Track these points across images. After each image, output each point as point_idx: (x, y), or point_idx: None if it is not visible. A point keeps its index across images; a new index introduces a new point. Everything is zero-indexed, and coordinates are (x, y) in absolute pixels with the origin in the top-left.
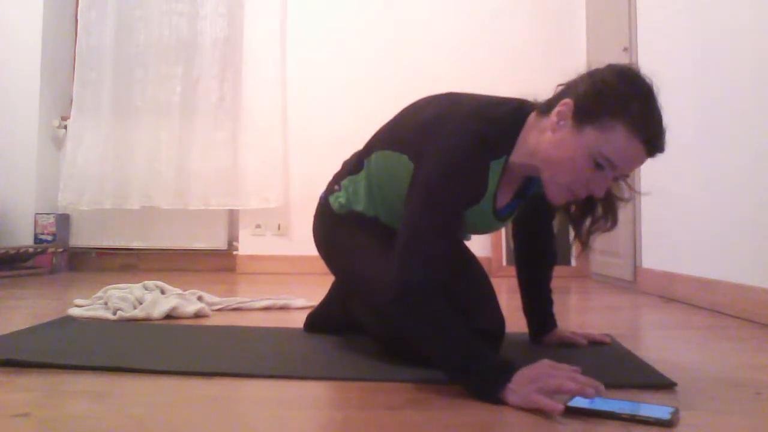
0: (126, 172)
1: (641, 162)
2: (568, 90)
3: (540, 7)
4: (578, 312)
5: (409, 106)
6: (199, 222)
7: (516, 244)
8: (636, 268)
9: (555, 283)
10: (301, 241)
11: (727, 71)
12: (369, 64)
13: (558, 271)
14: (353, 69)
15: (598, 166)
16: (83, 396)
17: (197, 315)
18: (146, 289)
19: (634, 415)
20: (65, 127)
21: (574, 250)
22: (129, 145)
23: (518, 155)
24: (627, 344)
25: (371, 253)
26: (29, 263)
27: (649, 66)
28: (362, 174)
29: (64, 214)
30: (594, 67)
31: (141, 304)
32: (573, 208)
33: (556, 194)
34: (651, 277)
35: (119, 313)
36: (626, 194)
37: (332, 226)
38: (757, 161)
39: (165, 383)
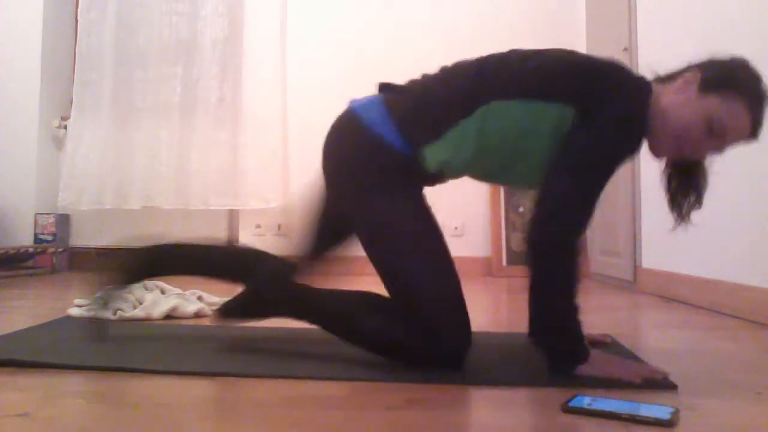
0: (126, 172)
1: (743, 139)
2: (692, 66)
3: (540, 7)
4: None
5: (515, 53)
6: (199, 222)
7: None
8: (636, 268)
9: None
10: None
11: None
12: (369, 63)
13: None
14: (353, 69)
15: (711, 130)
16: (83, 396)
17: (197, 315)
18: (146, 289)
19: (634, 415)
20: (65, 127)
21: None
22: (129, 145)
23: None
24: (627, 344)
25: (425, 247)
26: (29, 263)
27: (649, 66)
28: (474, 122)
29: (64, 214)
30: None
31: (141, 304)
32: (673, 185)
33: (662, 146)
34: (651, 277)
35: (119, 313)
36: (708, 180)
37: (386, 183)
38: (756, 161)
39: (165, 383)
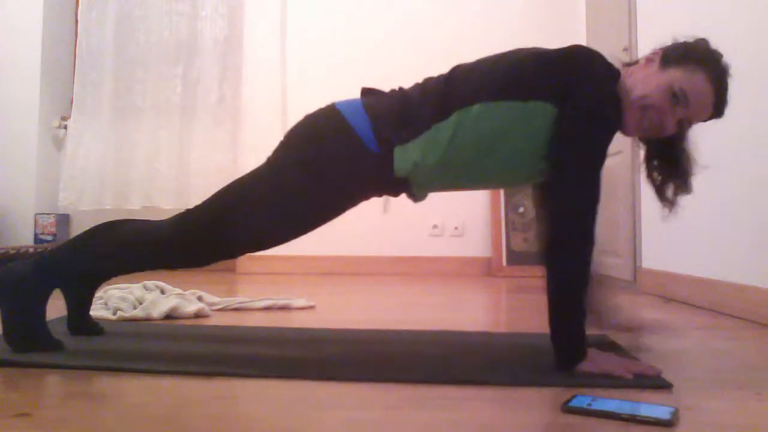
0: (126, 172)
1: (707, 111)
2: (654, 49)
3: (540, 7)
4: None
5: (484, 60)
6: None
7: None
8: (636, 268)
9: None
10: (300, 241)
11: None
12: (369, 63)
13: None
14: (353, 69)
15: (675, 98)
16: (83, 396)
17: (197, 315)
18: (146, 289)
19: (634, 415)
20: (65, 127)
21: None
22: (129, 145)
23: None
24: (626, 344)
25: (289, 211)
26: None
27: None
28: (449, 124)
29: (64, 214)
30: None
31: (141, 304)
32: (655, 176)
33: (630, 123)
34: (651, 277)
35: (119, 313)
36: (694, 167)
37: (334, 156)
38: (756, 161)
39: (165, 383)
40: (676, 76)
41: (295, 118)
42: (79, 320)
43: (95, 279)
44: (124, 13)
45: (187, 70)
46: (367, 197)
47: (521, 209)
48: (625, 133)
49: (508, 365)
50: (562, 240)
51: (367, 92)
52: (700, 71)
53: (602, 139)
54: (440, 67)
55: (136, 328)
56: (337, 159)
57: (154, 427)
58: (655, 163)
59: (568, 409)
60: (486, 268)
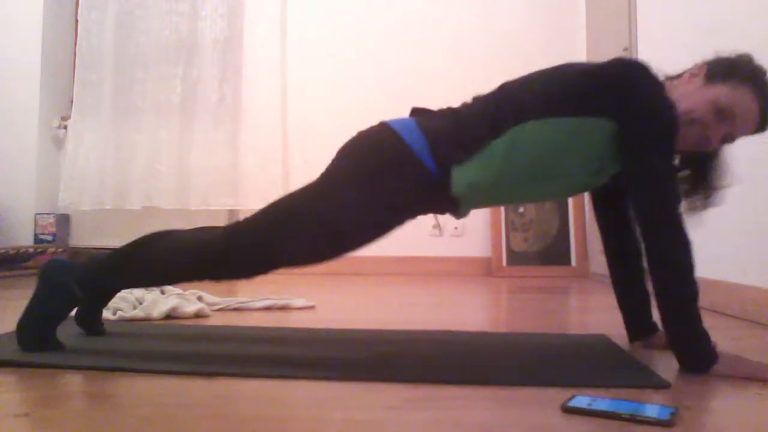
0: (126, 172)
1: (752, 127)
2: (698, 63)
3: (540, 7)
4: (578, 312)
5: (532, 77)
6: (199, 222)
7: (603, 235)
8: None
9: (555, 283)
10: None
11: None
12: (369, 63)
13: (558, 271)
14: (354, 68)
15: (720, 114)
16: (83, 396)
17: (197, 315)
18: (146, 289)
19: (634, 415)
20: (65, 127)
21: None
22: (129, 145)
23: None
24: (627, 344)
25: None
26: (29, 263)
27: (656, 66)
28: (502, 143)
29: (64, 214)
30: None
31: (141, 304)
32: (683, 187)
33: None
34: None
35: (119, 313)
36: (724, 181)
37: (393, 173)
38: (756, 161)
39: (165, 383)
40: (721, 91)
41: (295, 118)
42: (90, 317)
43: (130, 287)
44: (124, 13)
45: (187, 70)
46: (414, 216)
47: (521, 209)
48: None
49: (508, 365)
50: (661, 237)
51: (417, 111)
52: (745, 87)
53: (669, 135)
54: (440, 66)
55: (136, 328)
56: (395, 176)
57: (154, 427)
58: (686, 174)
59: (568, 409)
60: (486, 268)
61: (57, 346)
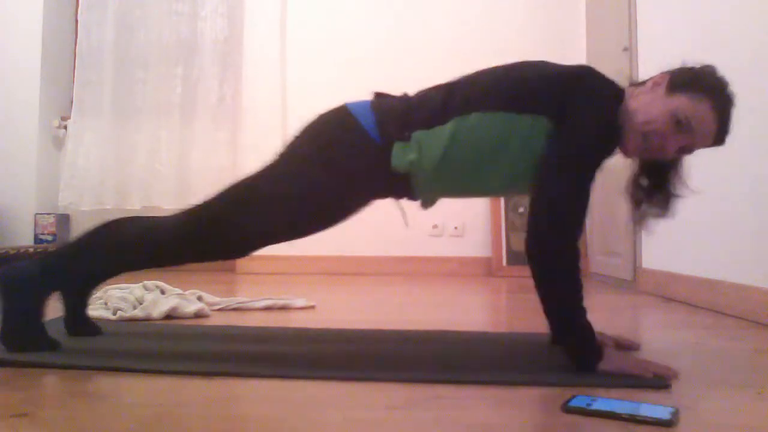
0: (126, 172)
1: (709, 139)
2: (662, 72)
3: (540, 7)
4: None
5: (488, 70)
6: None
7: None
8: (636, 268)
9: None
10: (301, 240)
11: (726, 71)
12: (369, 63)
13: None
14: (353, 68)
15: (679, 125)
16: (83, 396)
17: (197, 315)
18: (146, 289)
19: (634, 415)
20: (65, 127)
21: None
22: (129, 145)
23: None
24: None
25: (306, 202)
26: None
27: (649, 66)
28: (446, 130)
29: (64, 214)
30: (594, 64)
31: (141, 304)
32: (638, 193)
33: (631, 145)
34: (651, 277)
35: (119, 313)
36: (682, 190)
37: (339, 142)
38: (756, 161)
39: (165, 383)
40: (681, 102)
41: (295, 118)
42: (77, 321)
43: (99, 279)
44: (124, 13)
45: (187, 70)
46: (373, 194)
47: (521, 209)
48: (626, 154)
49: (508, 365)
50: (544, 259)
51: (376, 95)
52: (705, 99)
53: (592, 162)
54: (440, 67)
55: (136, 328)
56: (341, 145)
57: (153, 427)
58: (642, 182)
59: (568, 409)
60: (486, 268)
61: (53, 345)
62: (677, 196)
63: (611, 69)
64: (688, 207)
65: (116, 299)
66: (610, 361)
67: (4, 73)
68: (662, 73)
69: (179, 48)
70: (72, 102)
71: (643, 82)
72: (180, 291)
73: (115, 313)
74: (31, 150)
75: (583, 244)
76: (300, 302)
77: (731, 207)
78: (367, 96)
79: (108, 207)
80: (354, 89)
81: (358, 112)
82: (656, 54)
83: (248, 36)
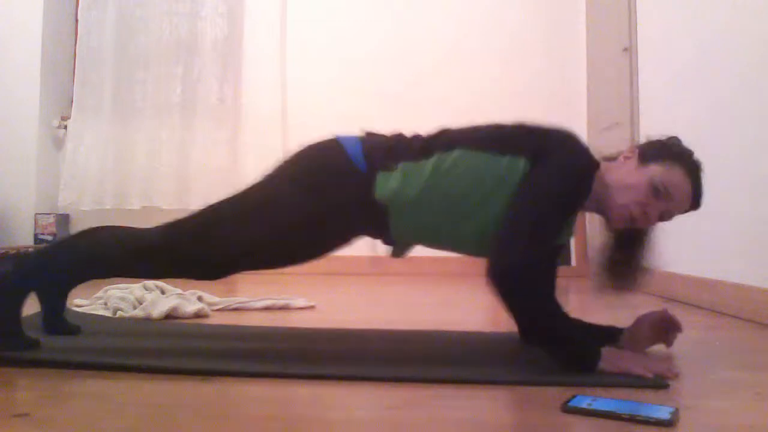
0: (126, 172)
1: (686, 203)
2: (629, 147)
3: (540, 8)
4: (578, 312)
5: (478, 123)
6: None
7: None
8: None
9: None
10: None
11: (726, 71)
12: (369, 63)
13: (558, 271)
14: (353, 68)
15: (657, 191)
16: (83, 396)
17: (197, 315)
18: (146, 289)
19: (634, 415)
20: (65, 127)
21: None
22: (129, 145)
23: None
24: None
25: (283, 227)
26: None
27: (649, 66)
28: (429, 163)
29: (64, 214)
30: (594, 64)
31: (141, 304)
32: (611, 263)
33: (618, 216)
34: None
35: (119, 313)
36: (649, 263)
37: (323, 168)
38: (757, 161)
39: (165, 383)
40: (656, 171)
41: (295, 117)
42: (54, 320)
43: (76, 282)
44: (124, 13)
45: (187, 70)
46: (351, 228)
47: None
48: (611, 225)
49: (508, 365)
50: (504, 286)
51: (367, 133)
52: (677, 166)
53: (560, 204)
54: (440, 66)
55: (136, 327)
56: (326, 171)
57: (153, 427)
58: (616, 255)
59: (568, 409)
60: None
61: (31, 344)
62: (647, 265)
63: (611, 69)
64: None
65: (116, 299)
66: (610, 361)
67: (4, 73)
68: (630, 147)
69: (179, 48)
70: (72, 102)
71: (614, 157)
72: (180, 291)
73: (115, 313)
74: (31, 150)
75: (583, 244)
76: (300, 302)
77: (731, 207)
78: (366, 97)
79: (108, 207)
80: (354, 89)
81: (347, 143)
82: (656, 54)
83: (248, 36)
